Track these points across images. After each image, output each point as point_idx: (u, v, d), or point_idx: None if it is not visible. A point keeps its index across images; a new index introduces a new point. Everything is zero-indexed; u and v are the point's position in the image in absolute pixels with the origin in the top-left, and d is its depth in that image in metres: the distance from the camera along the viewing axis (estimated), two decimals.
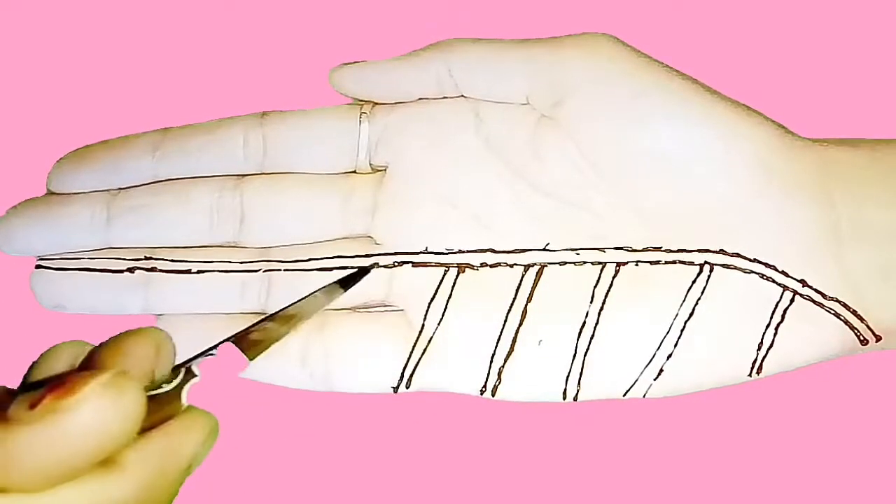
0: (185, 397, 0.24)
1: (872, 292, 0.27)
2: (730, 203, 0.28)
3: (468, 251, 0.30)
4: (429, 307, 0.29)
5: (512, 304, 0.29)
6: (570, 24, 0.30)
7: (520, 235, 0.29)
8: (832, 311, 0.27)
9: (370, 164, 0.31)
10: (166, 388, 0.24)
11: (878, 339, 0.28)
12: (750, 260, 0.28)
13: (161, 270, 0.30)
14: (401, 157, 0.30)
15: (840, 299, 0.27)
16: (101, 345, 0.23)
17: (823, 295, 0.27)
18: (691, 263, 0.28)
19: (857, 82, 0.33)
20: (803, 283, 0.28)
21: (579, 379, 0.28)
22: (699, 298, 0.28)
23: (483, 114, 0.30)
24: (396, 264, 0.30)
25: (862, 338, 0.28)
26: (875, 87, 0.33)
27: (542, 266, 0.29)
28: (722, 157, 0.28)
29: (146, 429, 0.22)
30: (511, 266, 0.29)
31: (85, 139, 0.32)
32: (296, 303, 0.29)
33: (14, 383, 0.30)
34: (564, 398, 0.28)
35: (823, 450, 0.30)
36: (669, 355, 0.28)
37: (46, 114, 0.34)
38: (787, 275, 0.28)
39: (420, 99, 0.31)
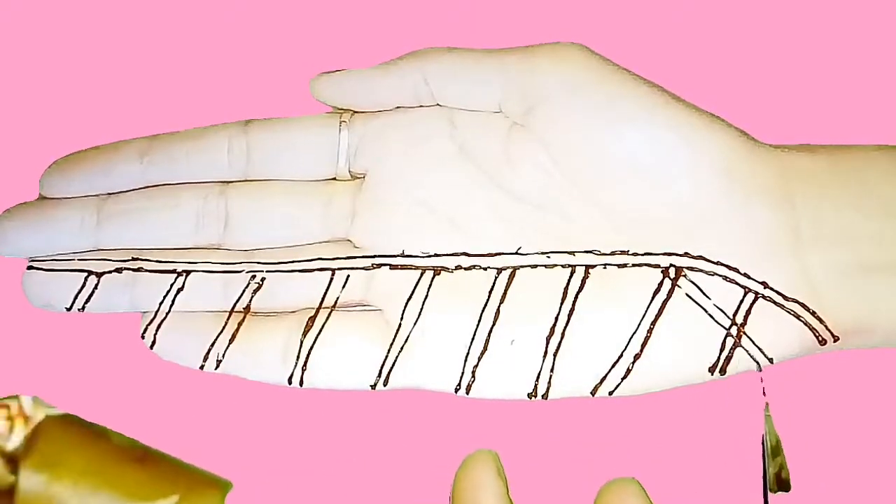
0: None
1: (831, 293, 0.28)
2: (694, 207, 0.29)
3: (444, 254, 0.30)
4: (405, 307, 0.30)
5: (485, 306, 0.29)
6: (542, 33, 0.30)
7: (493, 239, 0.30)
8: (792, 312, 0.28)
9: (349, 171, 0.32)
10: None
11: (836, 339, 0.28)
12: (713, 262, 0.29)
13: (147, 270, 0.31)
14: (379, 163, 0.31)
15: (800, 300, 0.28)
16: None
17: (784, 296, 0.28)
18: (657, 266, 0.29)
19: (815, 90, 0.33)
20: (765, 284, 0.28)
21: (550, 378, 0.29)
22: (665, 300, 0.29)
23: (458, 121, 0.31)
24: (374, 266, 0.31)
25: (820, 338, 0.28)
26: (832, 94, 0.33)
27: (515, 269, 0.30)
28: (686, 161, 0.28)
29: None
30: (485, 269, 0.30)
31: (75, 145, 0.32)
32: None
33: (5, 380, 0.31)
34: (535, 396, 0.29)
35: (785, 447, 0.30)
36: (637, 355, 0.28)
37: (38, 120, 0.34)
38: (749, 276, 0.28)
39: (397, 107, 0.31)
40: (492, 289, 0.30)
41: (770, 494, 0.26)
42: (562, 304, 0.29)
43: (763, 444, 0.28)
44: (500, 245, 0.30)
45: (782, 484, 0.26)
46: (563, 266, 0.30)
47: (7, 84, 0.35)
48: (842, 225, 0.28)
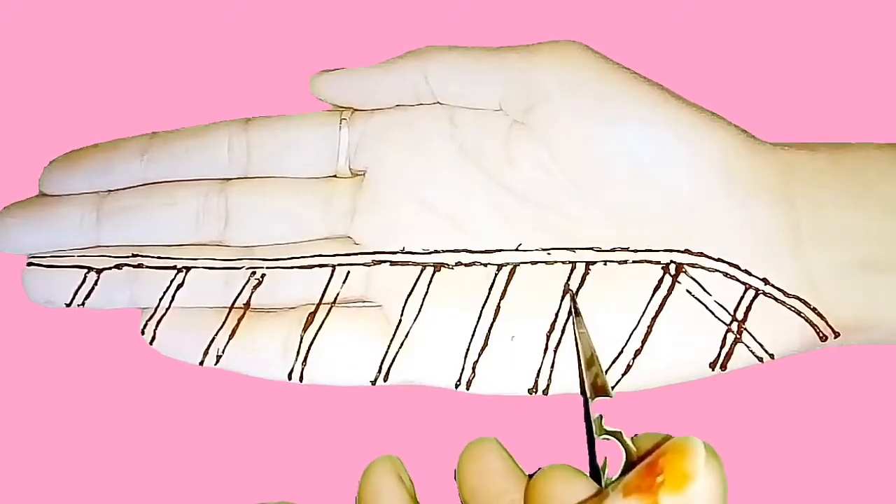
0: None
1: (831, 290, 0.28)
2: (694, 204, 0.29)
3: (444, 251, 0.30)
4: (406, 303, 0.30)
5: (486, 302, 0.30)
6: (542, 33, 0.31)
7: (493, 236, 0.30)
8: (793, 309, 0.28)
9: (350, 169, 0.32)
10: None
11: (837, 335, 0.28)
12: (714, 259, 0.29)
13: (147, 267, 0.31)
14: (379, 161, 0.31)
15: (801, 297, 0.28)
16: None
17: (785, 293, 0.28)
18: (657, 263, 0.29)
19: (815, 90, 0.34)
20: (765, 281, 0.28)
21: (550, 374, 0.29)
22: (665, 297, 0.29)
23: (458, 119, 0.31)
24: (374, 263, 0.31)
25: (821, 334, 0.28)
26: (832, 93, 0.33)
27: (515, 265, 0.30)
28: (687, 159, 0.29)
29: None
30: (485, 265, 0.30)
31: (76, 142, 0.32)
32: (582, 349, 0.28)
33: (5, 375, 0.31)
34: (535, 392, 0.29)
35: (786, 444, 0.30)
36: (637, 351, 0.28)
37: (37, 118, 0.34)
38: (749, 273, 0.28)
39: (398, 105, 0.31)
40: (492, 285, 0.30)
41: (591, 401, 0.26)
42: (562, 300, 0.29)
43: (578, 355, 0.28)
44: (499, 242, 0.30)
45: (599, 390, 0.26)
46: (563, 263, 0.30)
47: (7, 83, 0.35)
48: (842, 223, 0.28)
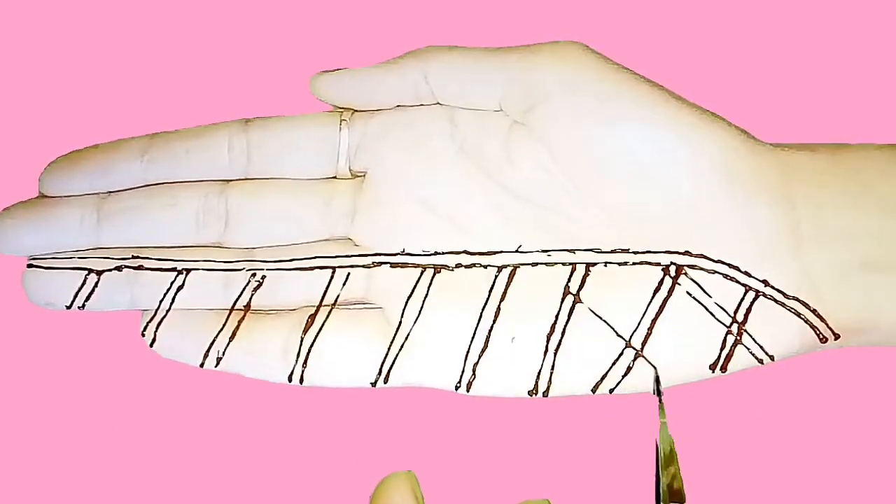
0: None
1: (832, 291, 0.28)
2: (694, 205, 0.29)
3: (444, 252, 0.30)
4: (406, 305, 0.30)
5: (486, 303, 0.30)
6: (542, 33, 0.31)
7: (493, 237, 0.30)
8: (793, 310, 0.28)
9: (350, 170, 0.32)
10: None
11: (837, 337, 0.28)
12: (714, 261, 0.29)
13: (148, 269, 0.31)
14: (379, 162, 0.31)
15: (801, 298, 0.28)
16: None
17: (785, 294, 0.28)
18: (658, 264, 0.29)
19: (815, 90, 0.34)
20: (765, 282, 0.28)
21: (550, 375, 0.29)
22: (666, 298, 0.29)
23: (458, 120, 0.31)
24: (374, 264, 0.31)
25: (821, 336, 0.28)
26: (832, 94, 0.33)
27: (515, 267, 0.30)
28: (687, 160, 0.28)
29: None
30: (485, 267, 0.30)
31: (76, 143, 0.32)
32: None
33: (5, 376, 0.31)
34: (536, 394, 0.29)
35: (786, 446, 0.30)
36: (637, 353, 0.29)
37: (37, 119, 0.34)
38: (749, 275, 0.28)
39: (398, 106, 0.31)
40: (492, 287, 0.30)
41: None
42: (562, 301, 0.29)
43: (657, 451, 0.26)
44: (500, 243, 0.30)
45: (675, 495, 0.25)
46: (563, 264, 0.30)
47: (7, 83, 0.35)
48: (842, 223, 0.28)
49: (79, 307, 0.31)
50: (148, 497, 0.31)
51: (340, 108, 0.32)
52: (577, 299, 0.29)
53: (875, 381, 0.31)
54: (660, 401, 0.27)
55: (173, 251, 0.31)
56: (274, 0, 0.35)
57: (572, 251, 0.30)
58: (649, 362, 0.28)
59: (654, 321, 0.29)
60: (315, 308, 0.30)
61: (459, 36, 0.32)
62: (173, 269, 0.31)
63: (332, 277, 0.31)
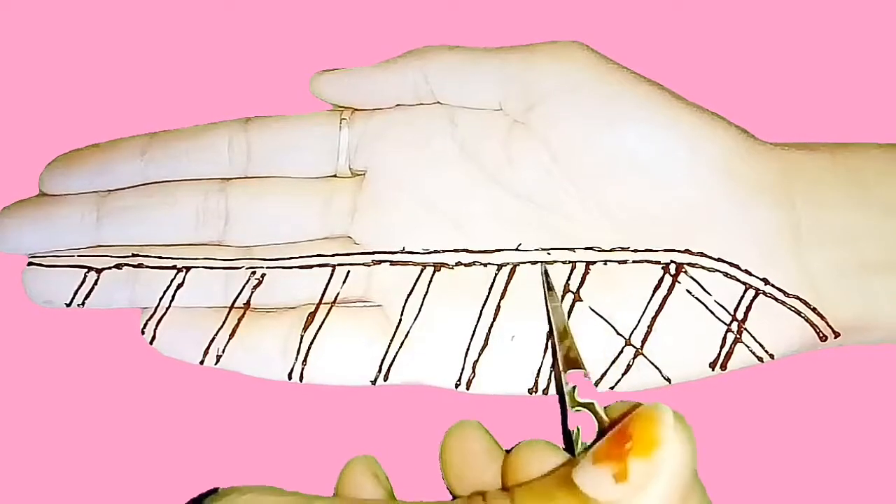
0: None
1: (831, 290, 0.28)
2: (694, 204, 0.29)
3: (444, 251, 0.30)
4: (406, 303, 0.30)
5: (486, 302, 0.30)
6: (542, 33, 0.31)
7: (493, 236, 0.30)
8: (793, 309, 0.28)
9: (350, 169, 0.32)
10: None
11: (837, 335, 0.28)
12: (714, 259, 0.29)
13: (147, 267, 0.31)
14: (379, 161, 0.31)
15: (801, 297, 0.28)
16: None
17: (785, 293, 0.28)
18: (658, 263, 0.29)
19: (815, 90, 0.34)
20: (766, 281, 0.28)
21: (550, 373, 0.29)
22: (666, 296, 0.29)
23: (458, 119, 0.31)
24: (374, 263, 0.31)
25: (821, 334, 0.28)
26: (832, 94, 0.33)
27: (515, 265, 0.30)
28: (687, 159, 0.29)
29: None
30: (485, 265, 0.30)
31: (76, 142, 0.33)
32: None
33: (5, 375, 0.31)
34: (535, 392, 0.29)
35: (786, 444, 0.30)
36: (637, 351, 0.29)
37: (37, 118, 0.34)
38: (749, 273, 0.28)
39: (398, 105, 0.32)
40: (492, 285, 0.30)
41: (564, 374, 0.26)
42: (562, 300, 0.29)
43: (551, 329, 0.29)
44: (499, 242, 0.30)
45: (572, 362, 0.27)
46: (563, 262, 0.30)
47: (7, 83, 0.35)
48: (842, 223, 0.28)
49: (79, 305, 0.31)
50: (148, 494, 0.31)
51: (340, 107, 0.32)
52: (577, 298, 0.29)
53: (875, 381, 0.30)
54: (551, 288, 0.29)
55: (173, 249, 0.32)
56: (274, 0, 0.35)
57: (572, 250, 0.30)
58: (648, 360, 0.28)
59: (654, 319, 0.29)
60: (315, 306, 0.30)
61: (459, 36, 0.32)
62: (173, 267, 0.31)
63: (331, 275, 0.31)
